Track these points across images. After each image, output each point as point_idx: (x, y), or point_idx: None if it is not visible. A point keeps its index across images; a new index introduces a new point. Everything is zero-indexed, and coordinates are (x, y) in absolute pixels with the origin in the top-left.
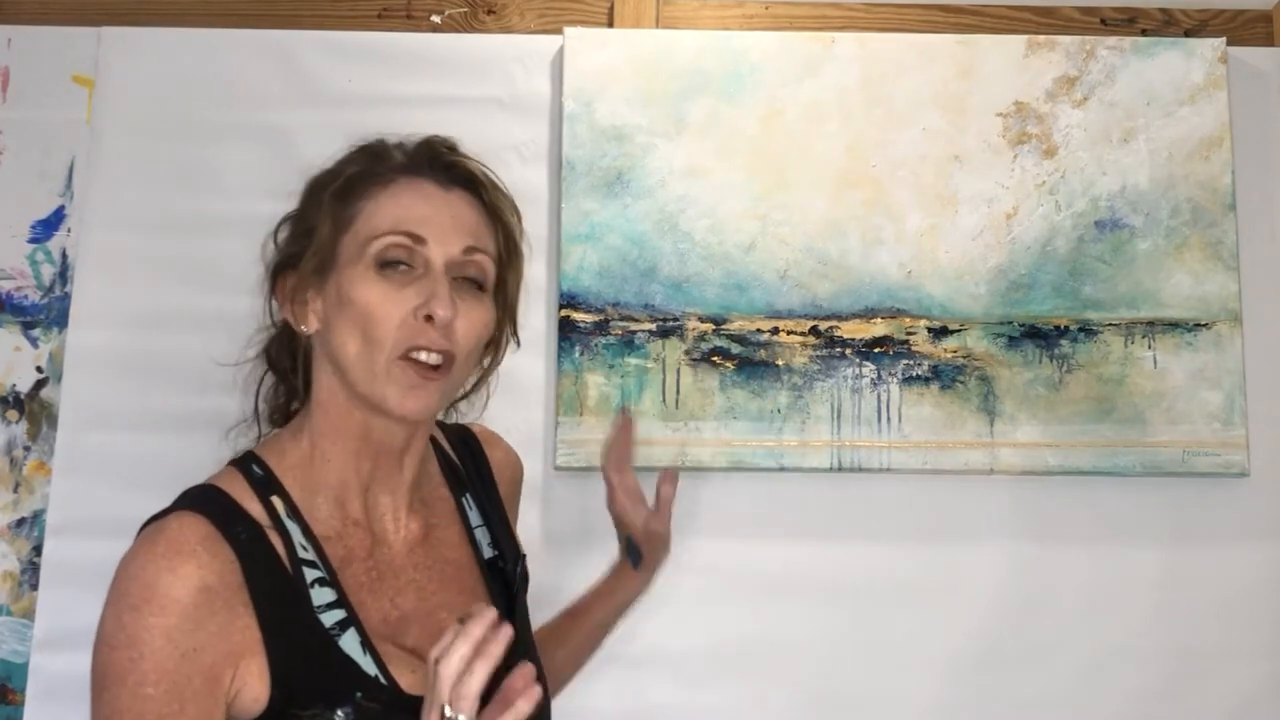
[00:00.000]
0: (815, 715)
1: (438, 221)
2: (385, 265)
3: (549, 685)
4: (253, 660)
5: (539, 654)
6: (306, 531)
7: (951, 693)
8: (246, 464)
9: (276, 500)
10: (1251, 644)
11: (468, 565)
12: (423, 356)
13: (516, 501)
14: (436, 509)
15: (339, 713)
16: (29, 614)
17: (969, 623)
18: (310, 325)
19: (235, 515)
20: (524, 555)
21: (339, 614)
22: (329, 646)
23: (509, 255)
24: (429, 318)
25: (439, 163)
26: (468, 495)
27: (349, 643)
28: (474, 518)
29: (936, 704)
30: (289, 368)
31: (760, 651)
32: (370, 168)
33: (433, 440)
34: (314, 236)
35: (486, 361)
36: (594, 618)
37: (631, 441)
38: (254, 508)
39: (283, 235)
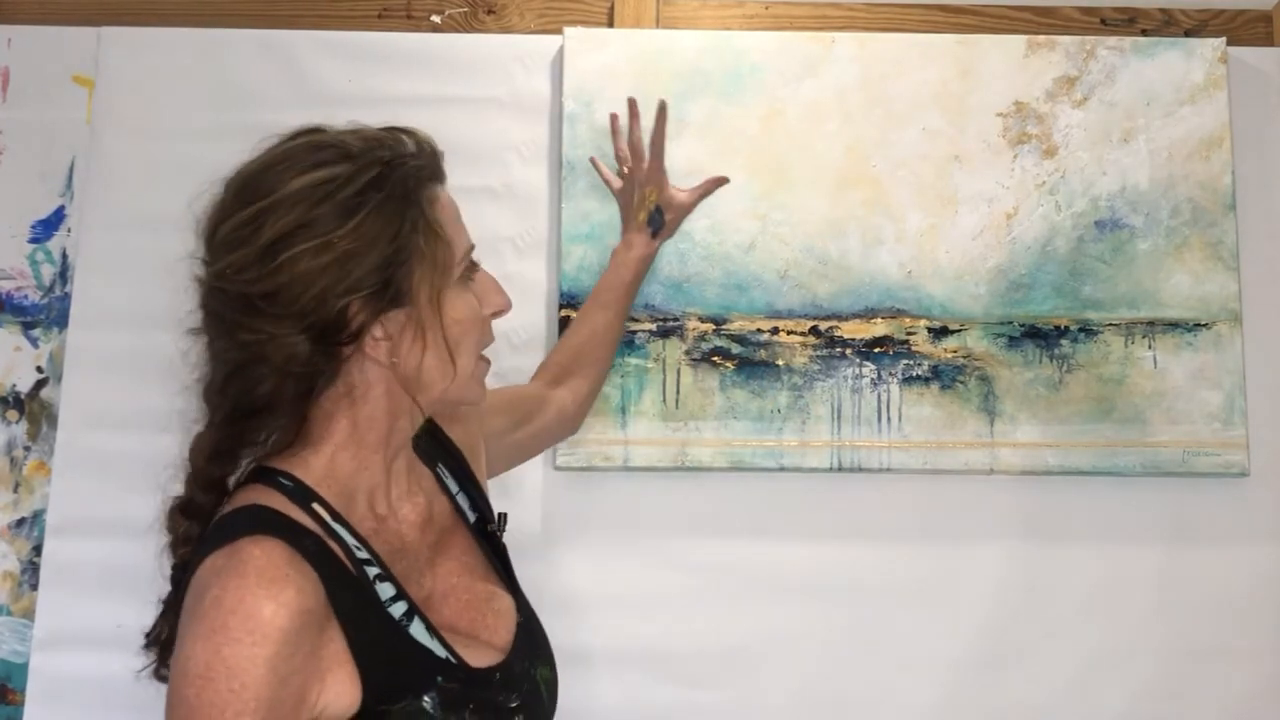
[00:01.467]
0: (815, 715)
1: (464, 223)
2: (463, 277)
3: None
4: (341, 670)
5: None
6: (354, 533)
7: (951, 693)
8: (271, 478)
9: (318, 507)
10: (1251, 644)
11: (461, 532)
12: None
13: (473, 420)
14: (425, 484)
15: (425, 699)
16: (29, 614)
17: (969, 623)
18: (384, 357)
19: (297, 530)
20: (503, 514)
21: (402, 605)
22: (404, 638)
23: None
24: (496, 313)
25: (439, 165)
26: (439, 465)
27: (418, 631)
28: (451, 485)
29: (936, 704)
30: (276, 399)
31: (760, 651)
32: (414, 187)
33: None
34: (412, 271)
35: None
36: (624, 280)
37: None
38: (303, 519)
39: (303, 260)
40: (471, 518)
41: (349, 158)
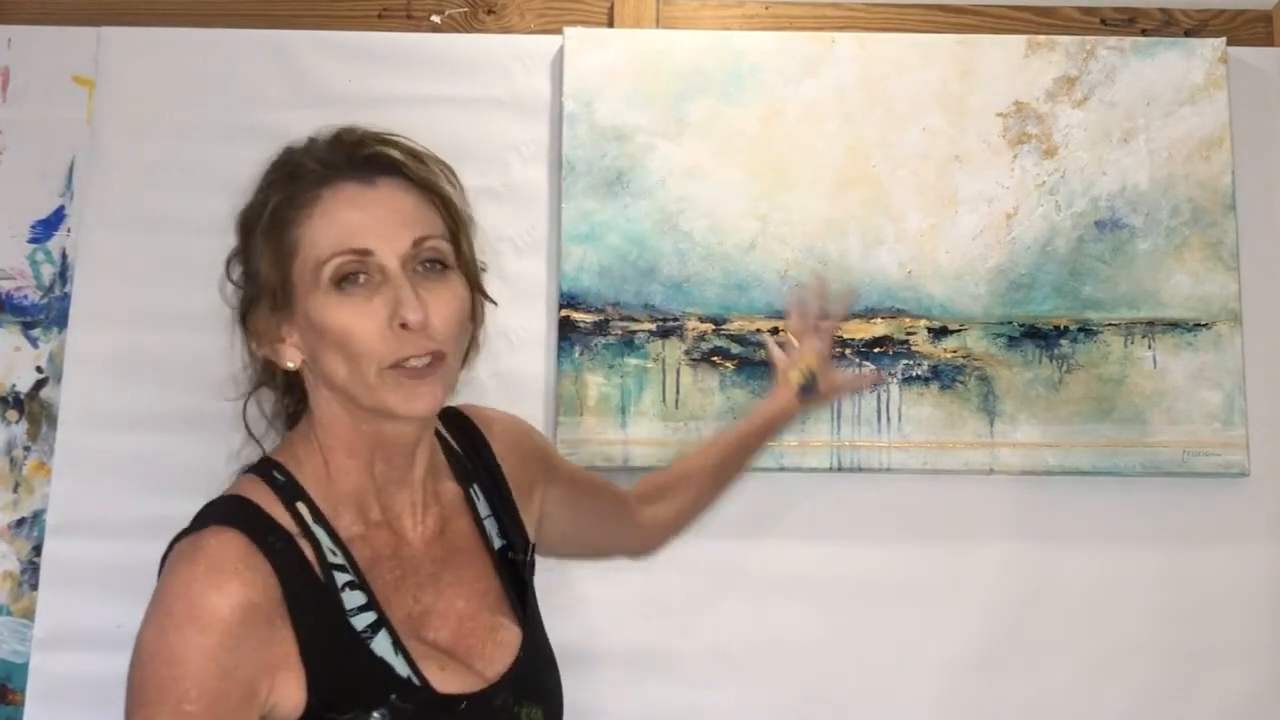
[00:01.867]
0: (815, 715)
1: (376, 225)
2: (342, 283)
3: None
4: (290, 671)
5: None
6: (333, 536)
7: (951, 693)
8: (267, 471)
9: (302, 506)
10: (1251, 644)
11: (480, 556)
12: (412, 364)
13: (534, 459)
14: (448, 501)
15: (375, 715)
16: (29, 614)
17: (969, 623)
18: (295, 360)
19: (267, 525)
20: (533, 544)
21: (370, 616)
22: (362, 650)
23: (456, 222)
24: (403, 325)
25: (356, 159)
26: (474, 486)
27: (381, 645)
28: (482, 508)
29: (936, 704)
30: (283, 385)
31: (760, 651)
32: (291, 192)
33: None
34: (260, 278)
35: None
36: (753, 427)
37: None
38: (282, 516)
39: (235, 275)
40: (497, 544)
41: (261, 178)
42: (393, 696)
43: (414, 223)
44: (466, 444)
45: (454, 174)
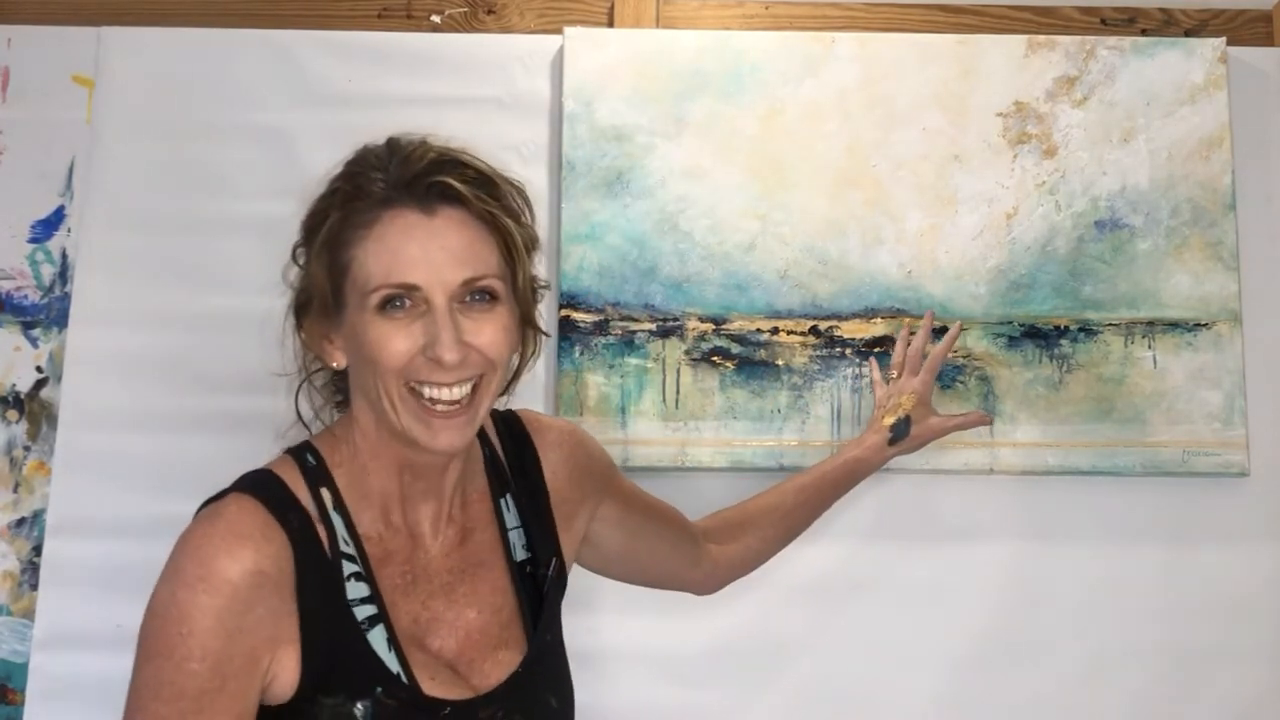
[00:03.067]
0: (815, 715)
1: (429, 260)
2: (386, 306)
3: (769, 547)
4: (290, 646)
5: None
6: (350, 527)
7: (951, 692)
8: (301, 454)
9: (325, 493)
10: (1251, 644)
11: (499, 569)
12: (441, 406)
13: (590, 471)
14: (474, 512)
15: (359, 705)
16: (29, 614)
17: (969, 623)
18: (340, 361)
19: (289, 503)
20: (560, 559)
21: (370, 610)
22: (358, 640)
23: (514, 256)
24: (432, 357)
25: (419, 186)
26: (507, 496)
27: (376, 638)
28: (510, 519)
29: (936, 704)
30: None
31: (760, 651)
32: (350, 210)
33: (481, 431)
34: (313, 284)
35: (516, 360)
36: (831, 471)
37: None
38: (304, 497)
39: (291, 273)
40: (520, 556)
41: (326, 185)
42: (378, 690)
43: (467, 261)
44: (513, 451)
45: (523, 193)
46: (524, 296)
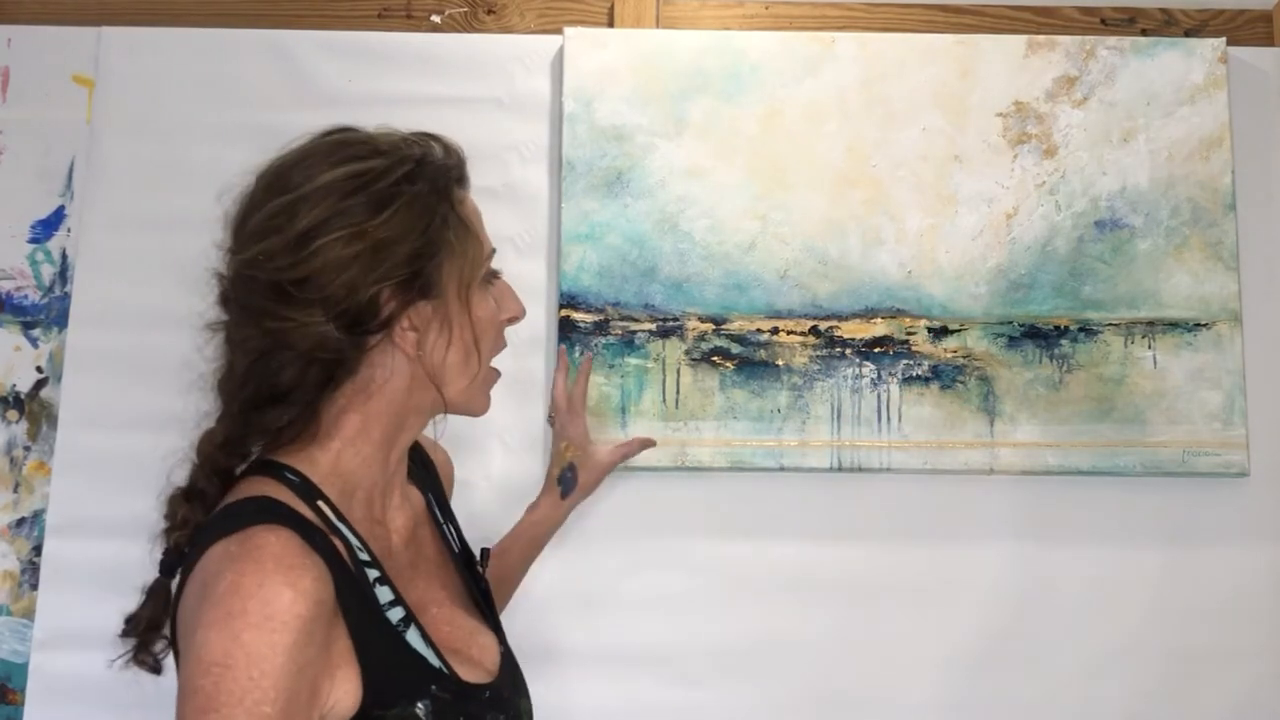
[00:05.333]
0: (816, 715)
1: (485, 229)
2: (486, 279)
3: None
4: (348, 669)
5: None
6: (355, 533)
7: (952, 693)
8: (278, 472)
9: (324, 505)
10: (1251, 644)
11: (445, 561)
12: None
13: (449, 501)
14: (415, 506)
15: (419, 705)
16: (29, 614)
17: (969, 623)
18: (408, 345)
19: (305, 524)
20: (486, 550)
21: (400, 611)
22: (400, 644)
23: None
24: (511, 320)
25: (464, 169)
26: (429, 494)
27: (414, 638)
28: (439, 514)
29: (937, 704)
30: (296, 387)
31: (760, 651)
32: (448, 186)
33: None
34: (441, 264)
35: None
36: (518, 543)
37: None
38: (309, 515)
39: (359, 252)
40: (456, 549)
41: (380, 153)
42: (433, 687)
43: None
44: (414, 458)
45: None
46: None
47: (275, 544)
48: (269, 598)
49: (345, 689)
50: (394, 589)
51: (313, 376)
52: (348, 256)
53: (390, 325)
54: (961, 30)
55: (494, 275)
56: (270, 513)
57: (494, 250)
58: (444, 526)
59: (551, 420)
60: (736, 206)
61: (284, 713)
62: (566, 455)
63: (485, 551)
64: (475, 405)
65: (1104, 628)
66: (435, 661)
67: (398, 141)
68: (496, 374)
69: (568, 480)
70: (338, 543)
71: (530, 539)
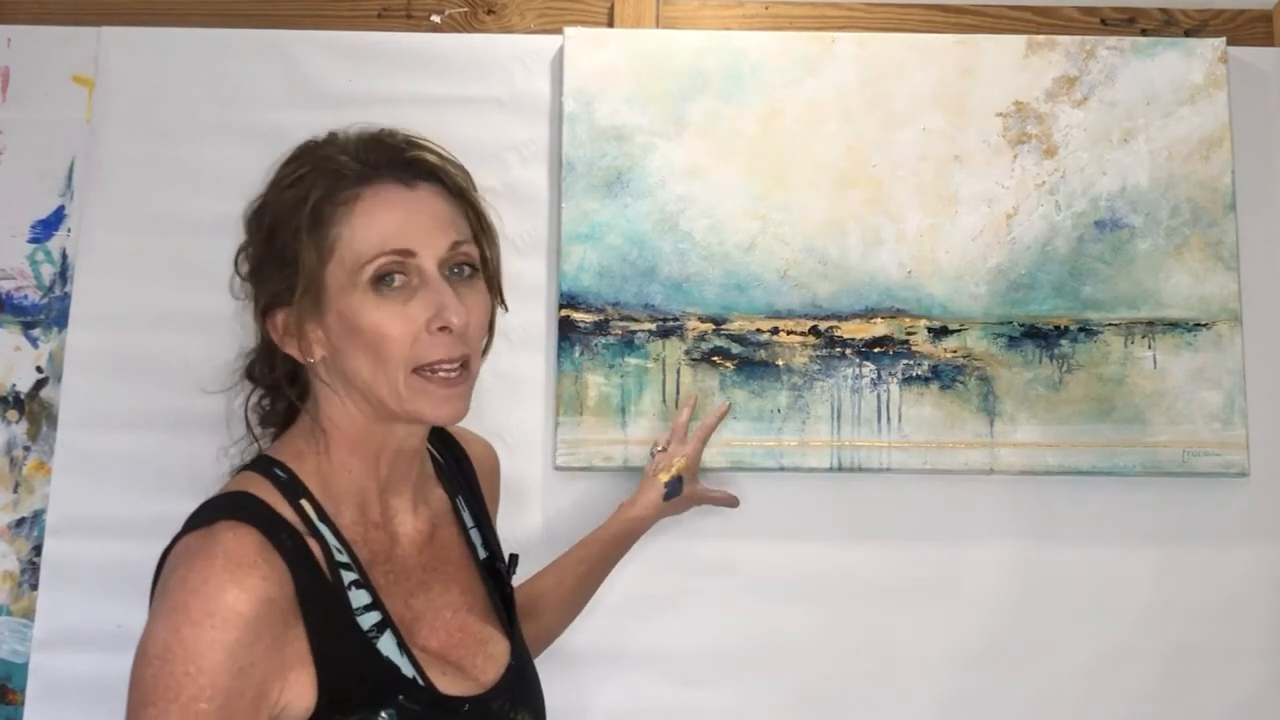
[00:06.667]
0: (815, 715)
1: (417, 227)
2: (379, 283)
3: (546, 637)
4: (302, 671)
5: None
6: (338, 534)
7: (951, 692)
8: (268, 468)
9: (306, 504)
10: (1251, 644)
11: (467, 565)
12: (443, 371)
13: (497, 493)
14: (436, 509)
15: (383, 715)
16: (29, 614)
17: (969, 623)
18: (315, 355)
19: (277, 522)
20: (516, 555)
21: (375, 616)
22: (370, 650)
23: (484, 230)
24: (442, 329)
25: (398, 161)
26: (460, 497)
27: (387, 645)
28: (467, 519)
29: (936, 704)
30: (280, 382)
31: (760, 651)
32: (333, 188)
33: None
34: (300, 271)
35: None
36: (611, 533)
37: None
38: (288, 513)
39: (250, 268)
40: (482, 554)
41: (285, 163)
42: (400, 697)
43: (451, 225)
44: (448, 455)
45: (473, 180)
46: (494, 272)
47: (231, 541)
48: (211, 594)
49: (298, 691)
50: (373, 593)
51: (272, 379)
52: (247, 277)
53: (300, 340)
54: (961, 30)
55: (391, 280)
56: (240, 509)
57: (398, 250)
58: (469, 531)
59: (654, 451)
60: (736, 206)
61: (222, 710)
62: (678, 467)
63: (514, 557)
64: (422, 413)
65: (1104, 628)
66: (409, 671)
67: (307, 145)
68: (438, 380)
69: (674, 486)
70: (313, 543)
71: (628, 533)
